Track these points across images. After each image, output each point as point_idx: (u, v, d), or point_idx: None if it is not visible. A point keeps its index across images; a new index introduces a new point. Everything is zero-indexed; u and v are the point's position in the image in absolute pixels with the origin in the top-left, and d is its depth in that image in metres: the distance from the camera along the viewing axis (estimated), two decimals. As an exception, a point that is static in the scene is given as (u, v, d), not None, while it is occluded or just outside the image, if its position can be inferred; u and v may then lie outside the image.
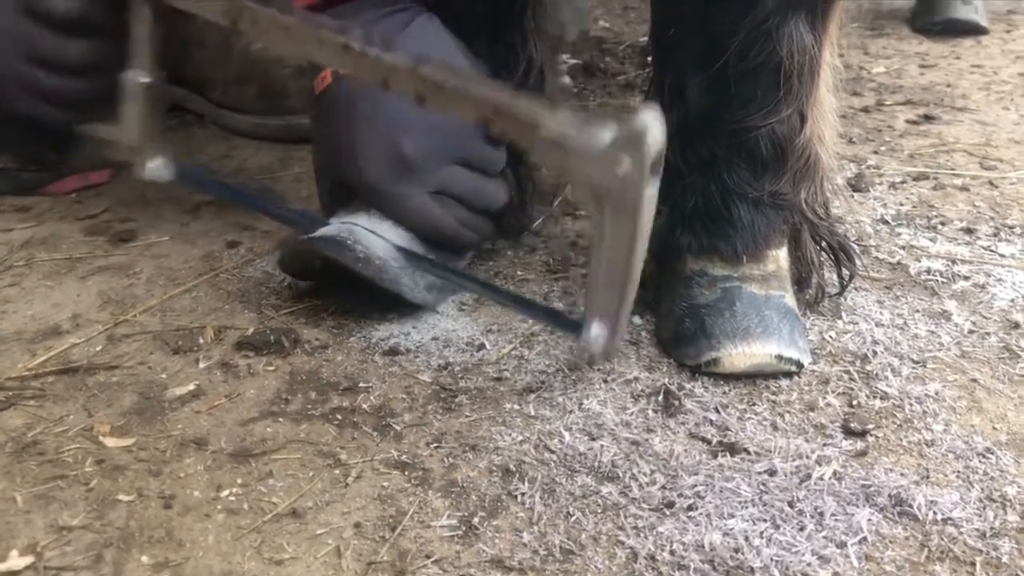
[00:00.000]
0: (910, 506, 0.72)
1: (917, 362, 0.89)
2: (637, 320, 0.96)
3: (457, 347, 0.91)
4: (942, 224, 1.16)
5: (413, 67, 0.76)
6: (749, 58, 0.86)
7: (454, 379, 0.87)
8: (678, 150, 0.92)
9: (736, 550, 0.68)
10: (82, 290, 1.01)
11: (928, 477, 0.75)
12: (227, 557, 0.68)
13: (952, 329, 0.94)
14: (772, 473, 0.75)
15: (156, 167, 0.95)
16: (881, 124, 1.50)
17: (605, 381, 0.86)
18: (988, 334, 0.93)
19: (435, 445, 0.78)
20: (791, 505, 0.72)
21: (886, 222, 1.17)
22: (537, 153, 0.74)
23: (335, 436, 0.80)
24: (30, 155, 1.23)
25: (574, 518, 0.71)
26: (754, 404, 0.84)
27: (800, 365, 0.87)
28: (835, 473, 0.75)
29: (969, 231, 1.14)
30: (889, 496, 0.73)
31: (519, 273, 1.05)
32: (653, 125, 0.68)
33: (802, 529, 0.70)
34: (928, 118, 1.52)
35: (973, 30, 1.98)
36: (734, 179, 0.91)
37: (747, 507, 0.72)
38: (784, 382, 0.86)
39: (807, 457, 0.77)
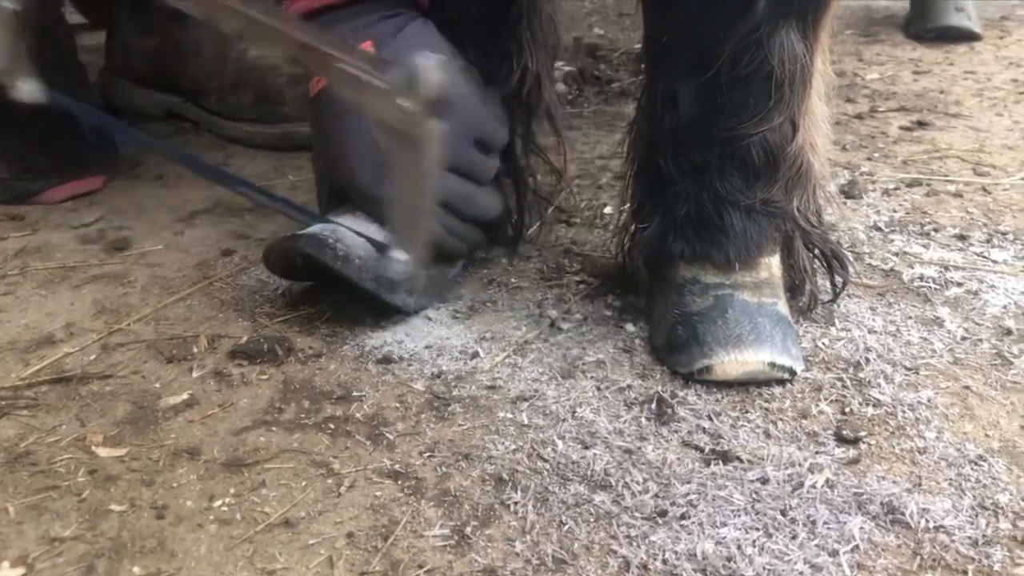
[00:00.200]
0: (902, 514, 0.72)
1: (910, 369, 0.89)
2: (630, 328, 0.96)
3: (450, 355, 0.92)
4: (935, 230, 1.16)
5: (244, 9, 0.81)
6: (740, 66, 0.86)
7: (447, 387, 0.87)
8: (670, 157, 0.92)
9: (729, 559, 0.68)
10: (76, 299, 1.01)
11: (920, 485, 0.75)
12: (219, 567, 0.67)
13: (945, 336, 0.94)
14: (765, 481, 0.75)
15: (30, 88, 0.96)
16: (875, 130, 1.51)
17: (598, 389, 0.86)
18: (981, 341, 0.94)
19: (428, 454, 0.78)
20: (784, 513, 0.72)
21: (879, 229, 1.17)
22: (337, 87, 0.80)
23: (328, 445, 0.80)
24: (25, 163, 1.23)
25: (567, 527, 0.71)
26: (747, 412, 0.84)
27: (793, 372, 0.87)
28: (827, 481, 0.75)
29: (962, 237, 1.14)
30: (881, 504, 0.73)
31: (513, 280, 1.05)
32: (430, 68, 0.73)
33: (794, 537, 0.70)
34: (921, 124, 1.52)
35: (966, 36, 1.98)
36: (726, 187, 0.91)
37: (740, 515, 0.72)
38: (777, 389, 0.86)
39: (800, 465, 0.77)
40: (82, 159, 1.27)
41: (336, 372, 0.89)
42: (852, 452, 0.79)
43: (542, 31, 1.06)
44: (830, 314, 0.97)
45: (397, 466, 0.77)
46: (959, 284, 1.04)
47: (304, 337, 0.94)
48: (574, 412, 0.83)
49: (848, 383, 0.87)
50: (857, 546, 0.69)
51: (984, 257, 1.10)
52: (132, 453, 0.78)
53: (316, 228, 0.94)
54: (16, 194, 1.23)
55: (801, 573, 0.67)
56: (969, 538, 0.70)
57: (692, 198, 0.92)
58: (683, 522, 0.71)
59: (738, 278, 0.91)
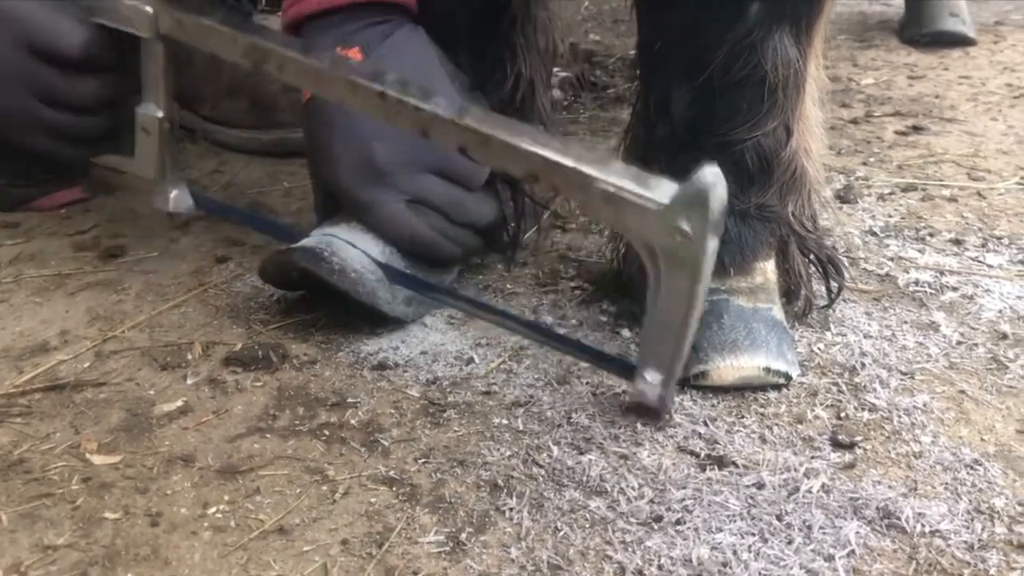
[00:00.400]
0: (898, 519, 0.72)
1: (905, 374, 0.89)
2: (626, 333, 0.96)
3: (446, 361, 0.91)
4: (930, 235, 1.16)
5: (456, 118, 0.74)
6: (734, 71, 0.86)
7: (443, 393, 0.87)
8: (664, 163, 0.92)
9: (724, 564, 0.68)
10: (70, 306, 1.01)
11: (916, 489, 0.75)
12: (214, 575, 0.67)
13: (940, 340, 0.94)
14: (760, 486, 0.75)
15: (177, 197, 0.96)
16: (870, 135, 1.51)
17: (593, 394, 0.86)
18: (976, 345, 0.94)
19: (423, 460, 0.78)
20: (779, 518, 0.72)
21: (874, 233, 1.17)
22: (590, 208, 0.73)
23: (323, 452, 0.79)
24: (19, 170, 1.23)
25: (562, 533, 0.71)
26: (742, 417, 0.84)
27: (788, 377, 0.87)
28: (823, 486, 0.75)
29: (957, 242, 1.14)
30: (877, 509, 0.72)
31: (508, 287, 1.05)
32: (717, 183, 0.67)
33: (790, 543, 0.69)
34: (917, 129, 1.53)
35: (961, 41, 1.99)
36: (721, 192, 0.91)
37: (735, 521, 0.71)
38: (772, 394, 0.86)
39: (795, 470, 0.77)
40: (76, 167, 1.27)
41: (331, 379, 0.89)
42: (848, 457, 0.78)
43: (537, 37, 1.06)
44: (825, 319, 0.97)
45: (392, 472, 0.77)
46: (954, 289, 1.04)
47: (299, 344, 0.94)
48: (569, 418, 0.83)
49: (844, 388, 0.87)
50: (853, 551, 0.69)
51: (979, 262, 1.10)
52: (126, 460, 0.78)
53: (311, 241, 0.94)
54: (11, 201, 1.23)
55: (797, 578, 0.67)
56: (965, 543, 0.70)
57: (687, 203, 0.92)
58: (678, 527, 0.71)
59: (733, 283, 0.91)
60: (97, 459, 0.78)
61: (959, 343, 0.94)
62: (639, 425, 0.81)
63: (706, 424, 0.82)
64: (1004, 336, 0.95)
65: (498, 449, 0.79)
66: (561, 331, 0.96)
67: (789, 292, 0.97)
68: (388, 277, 0.93)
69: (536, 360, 0.92)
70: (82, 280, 1.06)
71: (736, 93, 0.87)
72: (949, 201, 1.26)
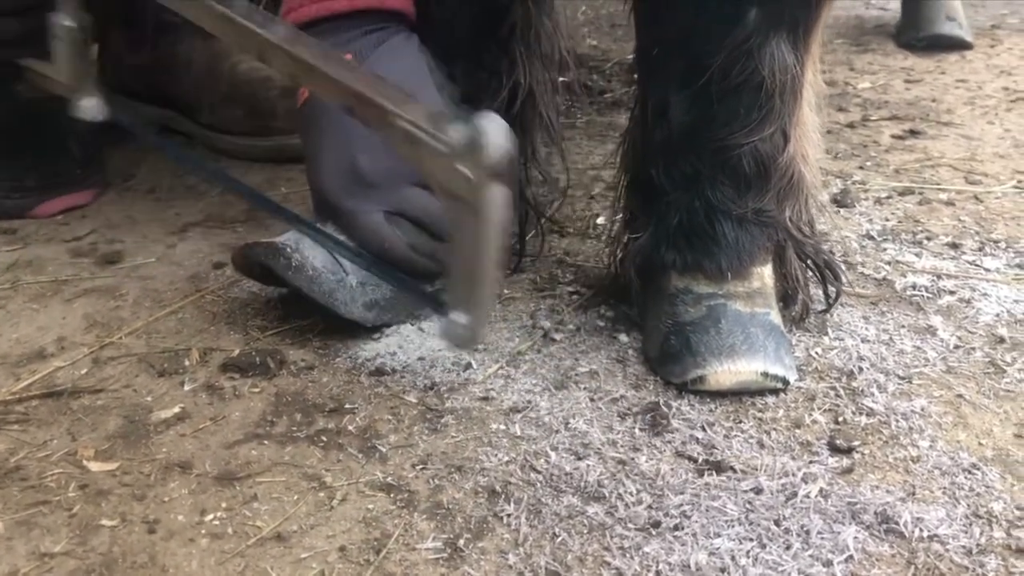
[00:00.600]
0: (896, 523, 0.72)
1: (903, 378, 0.89)
2: (624, 338, 0.96)
3: (443, 367, 0.91)
4: (927, 239, 1.16)
5: (288, 45, 0.77)
6: (731, 77, 0.86)
7: (440, 399, 0.86)
8: (662, 167, 0.92)
9: (722, 570, 0.67)
10: (67, 313, 1.01)
11: (914, 494, 0.75)
12: (211, 582, 0.67)
13: (938, 344, 0.94)
14: (758, 491, 0.75)
15: (90, 106, 0.97)
16: (867, 139, 1.51)
17: (591, 400, 0.86)
18: (974, 349, 0.94)
19: (421, 467, 0.78)
20: (777, 523, 0.72)
21: (872, 237, 1.17)
22: (394, 146, 0.76)
23: (320, 458, 0.79)
24: (15, 180, 1.23)
25: (560, 539, 0.71)
26: (740, 422, 0.84)
27: (786, 382, 0.87)
28: (821, 491, 0.75)
29: (954, 246, 1.14)
30: (875, 513, 0.72)
31: (505, 291, 1.05)
32: (494, 129, 0.70)
33: (788, 548, 0.69)
34: (913, 133, 1.53)
35: (958, 45, 1.99)
36: (718, 196, 0.91)
37: (733, 526, 0.71)
38: (770, 399, 0.86)
39: (793, 475, 0.77)
40: (71, 174, 1.27)
41: (328, 385, 0.89)
42: (846, 461, 0.78)
43: (540, 46, 1.06)
44: (823, 323, 0.97)
45: (390, 479, 0.77)
46: (952, 293, 1.04)
47: (296, 350, 0.94)
48: (567, 423, 0.83)
49: (841, 392, 0.87)
50: (851, 556, 0.69)
51: (976, 265, 1.10)
52: (123, 467, 0.78)
53: (282, 236, 0.95)
54: (6, 211, 1.23)
55: (795, 584, 0.67)
56: (963, 547, 0.70)
57: (684, 208, 0.92)
58: (677, 533, 0.71)
59: (730, 288, 0.91)
60: (94, 466, 0.78)
61: (957, 347, 0.94)
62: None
63: (704, 429, 0.82)
64: (1001, 340, 0.95)
65: (496, 455, 0.79)
66: (559, 336, 0.96)
67: (786, 296, 0.97)
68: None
69: (534, 366, 0.91)
70: (79, 286, 1.06)
71: (734, 98, 0.87)
72: (946, 205, 1.26)
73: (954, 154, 1.44)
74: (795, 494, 0.74)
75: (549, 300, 1.03)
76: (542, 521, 0.72)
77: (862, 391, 0.87)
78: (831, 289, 0.97)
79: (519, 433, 0.82)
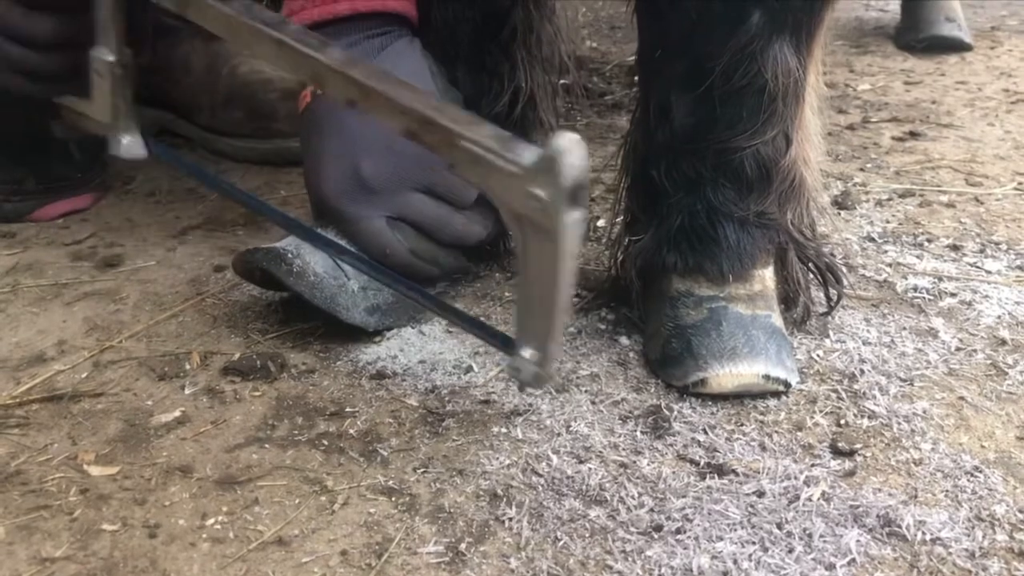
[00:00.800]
0: (899, 526, 0.71)
1: (904, 380, 0.89)
2: (624, 341, 0.96)
3: (444, 370, 0.91)
4: (928, 241, 1.16)
5: (344, 68, 0.75)
6: (734, 80, 0.86)
7: (441, 403, 0.86)
8: (663, 170, 0.92)
9: (725, 573, 0.67)
10: (68, 316, 1.01)
11: (916, 497, 0.75)
12: (212, 587, 0.67)
13: (939, 347, 0.94)
14: (760, 494, 0.75)
15: (129, 144, 0.96)
16: (867, 141, 1.51)
17: (593, 403, 0.86)
18: (975, 351, 0.94)
19: (422, 470, 0.78)
20: (780, 527, 0.71)
21: (872, 239, 1.17)
22: (459, 168, 0.73)
23: (321, 462, 0.79)
24: (14, 184, 1.23)
25: (562, 543, 0.71)
26: (742, 425, 0.83)
27: (788, 385, 0.86)
28: (823, 494, 0.75)
29: (955, 248, 1.14)
30: (878, 516, 0.72)
31: (506, 294, 1.05)
32: (572, 150, 0.66)
33: (791, 551, 0.69)
34: (914, 135, 1.53)
35: (957, 47, 1.99)
36: (719, 198, 0.91)
37: (736, 529, 0.71)
38: (772, 402, 0.86)
39: (795, 478, 0.76)
40: (70, 179, 1.27)
41: (329, 388, 0.89)
42: (848, 464, 0.78)
43: (540, 50, 1.06)
44: (824, 326, 0.97)
45: (391, 482, 0.77)
46: (953, 295, 1.04)
47: (297, 353, 0.94)
48: (568, 426, 0.83)
49: (843, 395, 0.87)
50: (854, 559, 0.69)
51: (978, 267, 1.10)
52: (124, 471, 0.78)
53: (283, 241, 0.95)
54: (5, 215, 1.23)
55: (798, 587, 0.66)
56: (966, 550, 0.70)
57: (685, 210, 0.92)
58: (679, 536, 0.71)
59: (732, 290, 0.91)
60: (95, 470, 0.78)
61: (958, 349, 0.94)
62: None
63: (706, 432, 0.82)
64: (1003, 342, 0.95)
65: (497, 458, 0.79)
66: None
67: (788, 299, 0.97)
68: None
69: (535, 368, 0.91)
70: (79, 290, 1.06)
71: (736, 101, 0.87)
72: (947, 207, 1.26)
73: (954, 156, 1.44)
74: (797, 497, 0.74)
75: (550, 303, 1.03)
76: (544, 525, 0.72)
77: (864, 394, 0.87)
78: (832, 292, 0.97)
79: (520, 436, 0.82)
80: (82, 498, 0.75)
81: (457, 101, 0.98)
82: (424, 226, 0.96)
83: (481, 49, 1.02)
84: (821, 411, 0.85)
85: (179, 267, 1.11)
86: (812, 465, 0.78)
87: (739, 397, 0.86)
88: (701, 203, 0.92)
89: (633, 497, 0.75)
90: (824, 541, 0.70)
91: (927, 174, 1.37)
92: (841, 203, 1.26)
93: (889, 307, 1.02)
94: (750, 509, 0.73)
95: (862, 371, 0.90)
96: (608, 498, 0.75)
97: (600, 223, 1.21)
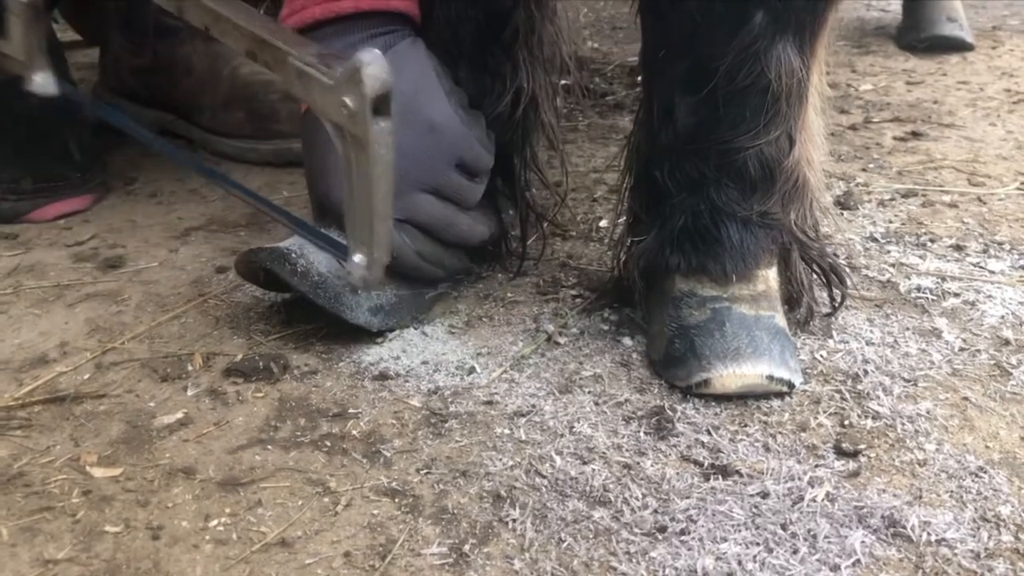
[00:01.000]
0: (903, 527, 0.71)
1: (908, 381, 0.89)
2: (628, 341, 0.95)
3: (447, 371, 0.91)
4: (931, 241, 1.16)
5: None
6: (738, 80, 0.86)
7: (444, 404, 0.86)
8: (667, 170, 0.92)
9: (729, 574, 0.67)
10: (70, 318, 1.00)
11: (921, 497, 0.75)
12: (215, 588, 0.67)
13: (943, 347, 0.94)
14: (765, 495, 0.75)
15: (42, 81, 0.97)
16: (869, 141, 1.51)
17: (596, 404, 0.86)
18: (979, 351, 0.93)
19: (425, 471, 0.78)
20: (784, 528, 0.71)
21: (875, 240, 1.17)
22: (290, 85, 0.78)
23: (324, 463, 0.79)
24: (12, 183, 1.23)
25: (566, 544, 0.70)
26: (746, 425, 0.83)
27: (791, 385, 0.86)
28: (828, 495, 0.75)
29: (958, 248, 1.14)
30: (882, 517, 0.72)
31: (509, 295, 1.05)
32: (373, 63, 0.71)
33: (795, 552, 0.69)
34: (916, 135, 1.52)
35: (959, 47, 1.99)
36: (723, 199, 0.91)
37: (740, 530, 0.71)
38: (775, 403, 0.86)
39: (799, 479, 0.76)
40: (69, 179, 1.26)
41: (332, 389, 0.88)
42: (852, 465, 0.78)
43: (541, 50, 1.06)
44: (828, 326, 0.97)
45: (394, 484, 0.77)
46: (956, 295, 1.03)
47: (300, 354, 0.94)
48: (572, 427, 0.83)
49: (847, 395, 0.87)
50: (859, 560, 0.68)
51: (981, 267, 1.10)
52: (127, 473, 0.78)
53: (286, 242, 0.95)
54: (1, 215, 1.23)
55: (803, 588, 0.66)
56: (971, 551, 0.69)
57: (689, 210, 0.92)
58: (683, 538, 0.70)
59: (735, 291, 0.90)
60: (97, 472, 0.78)
61: (962, 349, 0.94)
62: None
63: (709, 433, 0.82)
64: (1007, 342, 0.95)
65: (500, 459, 0.79)
66: (563, 340, 0.96)
67: (791, 300, 0.97)
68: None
69: (538, 369, 0.91)
70: (81, 291, 1.06)
71: (740, 101, 0.87)
72: (949, 207, 1.26)
73: (957, 156, 1.44)
74: (801, 498, 0.74)
75: (552, 304, 1.03)
76: (548, 526, 0.72)
77: (867, 394, 0.87)
78: (836, 292, 0.97)
79: (523, 437, 0.82)
80: (85, 500, 0.75)
81: (463, 101, 0.98)
82: (430, 227, 0.96)
83: (484, 49, 1.02)
84: (825, 412, 0.85)
85: (181, 268, 1.11)
86: (816, 466, 0.78)
87: (743, 398, 0.86)
88: (704, 203, 0.91)
89: (637, 498, 0.74)
90: (829, 542, 0.70)
91: (929, 174, 1.37)
92: (844, 203, 1.26)
93: (892, 307, 1.01)
94: (754, 510, 0.73)
95: (866, 372, 0.90)
96: (612, 499, 0.74)
97: (603, 224, 1.21)
